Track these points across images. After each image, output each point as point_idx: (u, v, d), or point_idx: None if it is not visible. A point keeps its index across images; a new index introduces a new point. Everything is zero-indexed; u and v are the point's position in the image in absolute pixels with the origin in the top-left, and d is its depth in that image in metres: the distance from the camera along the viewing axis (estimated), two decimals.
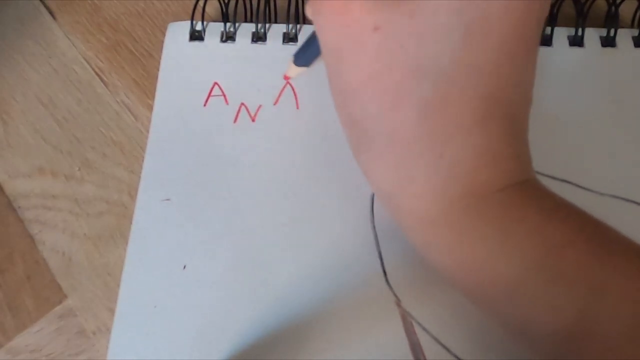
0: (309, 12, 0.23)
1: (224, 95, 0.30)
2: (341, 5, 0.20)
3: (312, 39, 0.26)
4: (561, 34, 0.31)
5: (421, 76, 0.19)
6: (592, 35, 0.31)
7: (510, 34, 0.19)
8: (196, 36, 0.31)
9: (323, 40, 0.21)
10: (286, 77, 0.29)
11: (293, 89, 0.30)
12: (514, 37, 0.19)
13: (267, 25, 0.31)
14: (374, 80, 0.20)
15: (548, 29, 0.31)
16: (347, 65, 0.20)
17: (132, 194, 0.28)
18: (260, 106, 0.29)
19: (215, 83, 0.30)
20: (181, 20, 0.32)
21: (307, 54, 0.27)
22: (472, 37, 0.19)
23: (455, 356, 0.23)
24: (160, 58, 0.31)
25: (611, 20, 0.31)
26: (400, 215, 0.22)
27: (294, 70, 0.28)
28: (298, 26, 0.31)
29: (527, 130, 0.21)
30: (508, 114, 0.20)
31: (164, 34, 0.32)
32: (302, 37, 0.31)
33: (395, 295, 0.25)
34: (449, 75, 0.19)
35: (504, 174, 0.20)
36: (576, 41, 0.31)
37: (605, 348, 0.18)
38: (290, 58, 0.27)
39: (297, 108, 0.29)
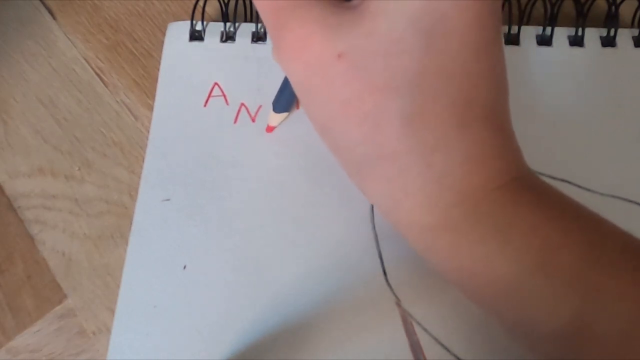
0: (274, 56, 0.23)
1: (224, 96, 0.30)
2: (301, 41, 0.20)
3: (286, 84, 0.26)
4: (561, 34, 0.31)
5: (394, 93, 0.19)
6: (592, 35, 0.31)
7: (471, 31, 0.19)
8: (196, 36, 0.31)
9: (291, 79, 0.21)
10: (269, 128, 0.29)
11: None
12: (475, 33, 0.19)
13: None
14: (349, 108, 0.20)
15: (548, 29, 0.31)
16: (320, 99, 0.20)
17: (132, 194, 0.28)
18: (260, 106, 0.29)
19: (215, 83, 0.30)
20: (181, 20, 0.32)
21: (285, 100, 0.27)
22: (433, 43, 0.19)
23: (455, 356, 0.23)
24: (160, 58, 0.31)
25: (611, 20, 0.31)
26: (400, 227, 0.22)
27: (276, 119, 0.28)
28: None
29: (510, 122, 0.21)
30: (487, 112, 0.20)
31: (164, 34, 0.32)
32: None
33: (395, 295, 0.25)
34: (421, 87, 0.19)
35: (495, 174, 0.20)
36: (576, 41, 0.31)
37: (603, 347, 0.18)
38: (271, 108, 0.28)
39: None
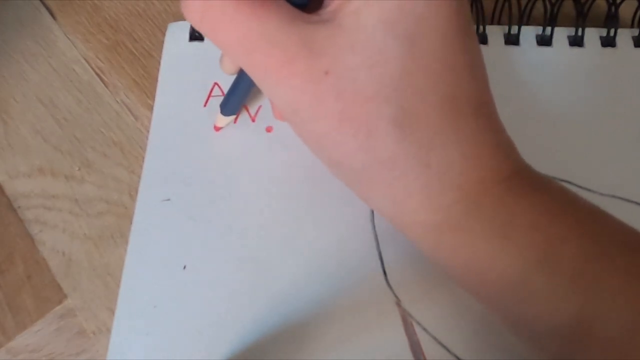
0: (225, 68, 0.23)
1: (224, 96, 0.30)
2: (286, 66, 0.19)
3: (235, 88, 0.26)
4: (561, 34, 0.31)
5: (384, 100, 0.19)
6: (592, 35, 0.31)
7: (449, 27, 0.19)
8: (196, 36, 0.31)
9: (279, 102, 0.21)
10: (216, 128, 0.29)
11: None
12: (453, 29, 0.19)
13: None
14: (342, 121, 0.20)
15: (548, 29, 0.31)
16: (311, 116, 0.20)
17: (132, 194, 0.28)
18: (260, 106, 0.29)
19: (215, 83, 0.30)
20: (181, 20, 0.32)
21: (233, 103, 0.27)
22: (414, 45, 0.19)
23: (455, 356, 0.23)
24: (160, 58, 0.31)
25: (611, 20, 0.31)
26: (405, 230, 0.22)
27: (223, 121, 0.28)
28: None
29: (497, 114, 0.21)
30: (475, 105, 0.20)
31: (164, 34, 0.32)
32: None
33: (395, 296, 0.25)
34: (409, 90, 0.19)
35: (492, 167, 0.20)
36: (576, 41, 0.31)
37: (606, 343, 0.18)
38: (218, 109, 0.28)
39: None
